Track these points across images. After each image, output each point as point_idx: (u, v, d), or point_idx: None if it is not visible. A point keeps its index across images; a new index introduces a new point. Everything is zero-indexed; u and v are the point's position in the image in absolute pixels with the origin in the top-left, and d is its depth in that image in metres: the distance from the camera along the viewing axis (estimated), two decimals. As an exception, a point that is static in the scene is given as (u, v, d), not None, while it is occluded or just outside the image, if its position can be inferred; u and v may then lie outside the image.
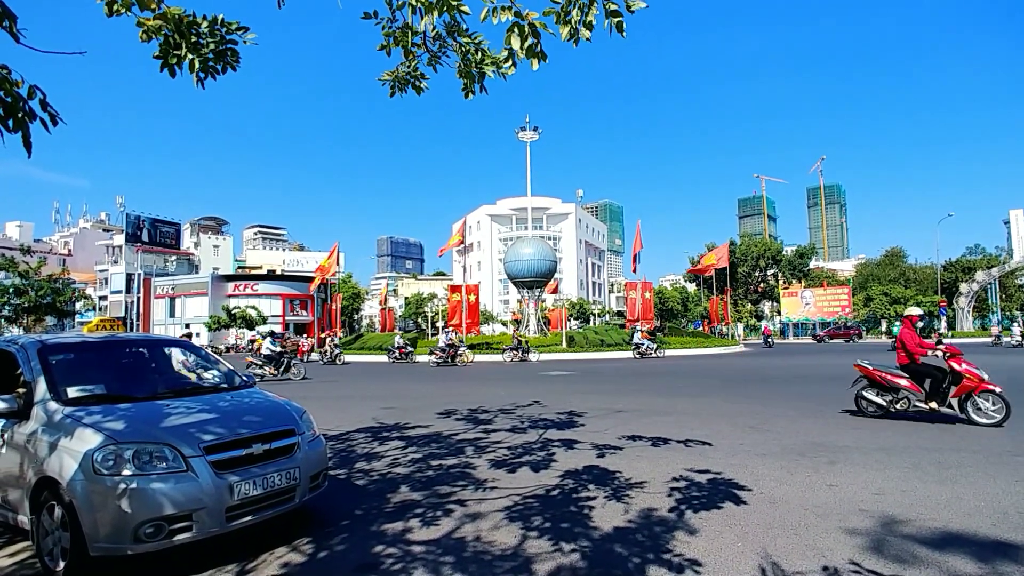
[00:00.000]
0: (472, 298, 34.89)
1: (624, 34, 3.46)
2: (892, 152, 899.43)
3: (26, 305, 34.69)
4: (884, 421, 8.65)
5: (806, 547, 3.80)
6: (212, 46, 3.93)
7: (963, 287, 54.81)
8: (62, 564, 3.48)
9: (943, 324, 52.38)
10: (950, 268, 62.15)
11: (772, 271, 72.01)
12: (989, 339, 40.84)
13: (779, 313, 67.74)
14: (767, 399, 11.66)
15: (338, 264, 45.53)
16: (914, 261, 71.12)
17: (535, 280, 37.54)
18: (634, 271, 37.31)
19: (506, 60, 4.07)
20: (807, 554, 3.68)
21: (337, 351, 30.13)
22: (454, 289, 36.27)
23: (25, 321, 36.21)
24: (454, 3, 3.57)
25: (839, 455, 6.41)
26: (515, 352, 28.05)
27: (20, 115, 3.04)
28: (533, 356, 28.15)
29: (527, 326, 38.69)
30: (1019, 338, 34.20)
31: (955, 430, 7.83)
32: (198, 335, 48.69)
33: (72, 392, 4.09)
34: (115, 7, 3.37)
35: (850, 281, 69.33)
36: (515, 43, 3.56)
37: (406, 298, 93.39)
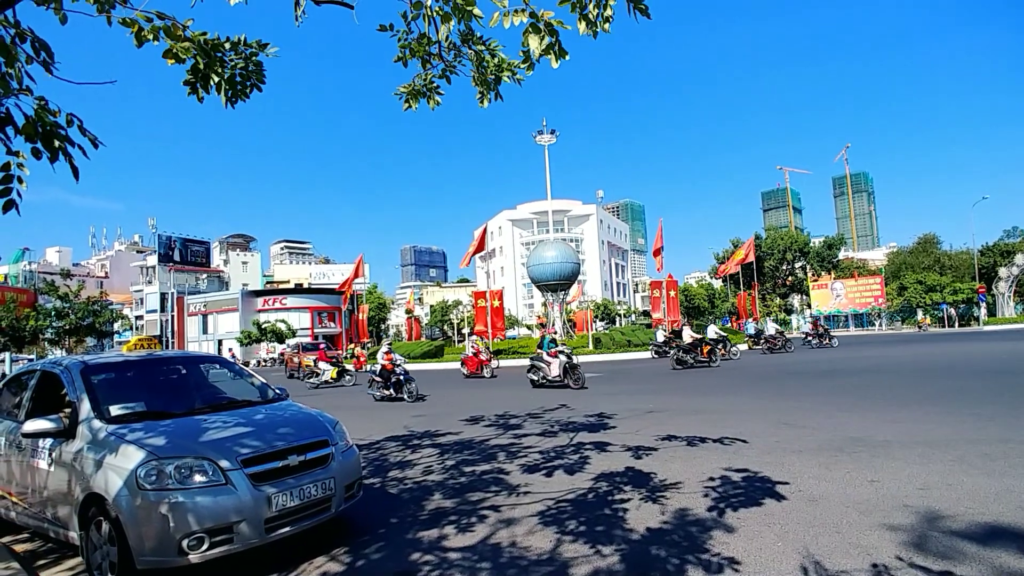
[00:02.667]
0: (496, 303, 34.97)
1: (649, 16, 3.44)
2: (920, 137, 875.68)
3: (67, 327, 35.86)
4: (925, 411, 8.41)
5: (849, 545, 3.71)
6: (241, 64, 4.06)
7: (1002, 271, 52.84)
8: (111, 577, 3.59)
9: (983, 311, 50.65)
10: (987, 252, 60.04)
11: (800, 264, 70.51)
12: None
13: (809, 306, 66.32)
14: (800, 394, 11.42)
15: (364, 275, 46.07)
16: (949, 247, 69.01)
17: (559, 283, 37.43)
18: (659, 269, 37.01)
19: (523, 63, 4.09)
20: (850, 552, 3.59)
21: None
22: (479, 295, 36.39)
23: (67, 343, 37.45)
24: (468, 8, 3.61)
25: (879, 450, 6.25)
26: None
27: (57, 145, 3.17)
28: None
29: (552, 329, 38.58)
30: None
31: (1001, 421, 7.57)
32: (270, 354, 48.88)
33: (115, 410, 4.23)
34: (143, 34, 3.48)
35: (882, 270, 67.50)
36: (533, 43, 3.57)
37: (431, 306, 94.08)
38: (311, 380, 22.29)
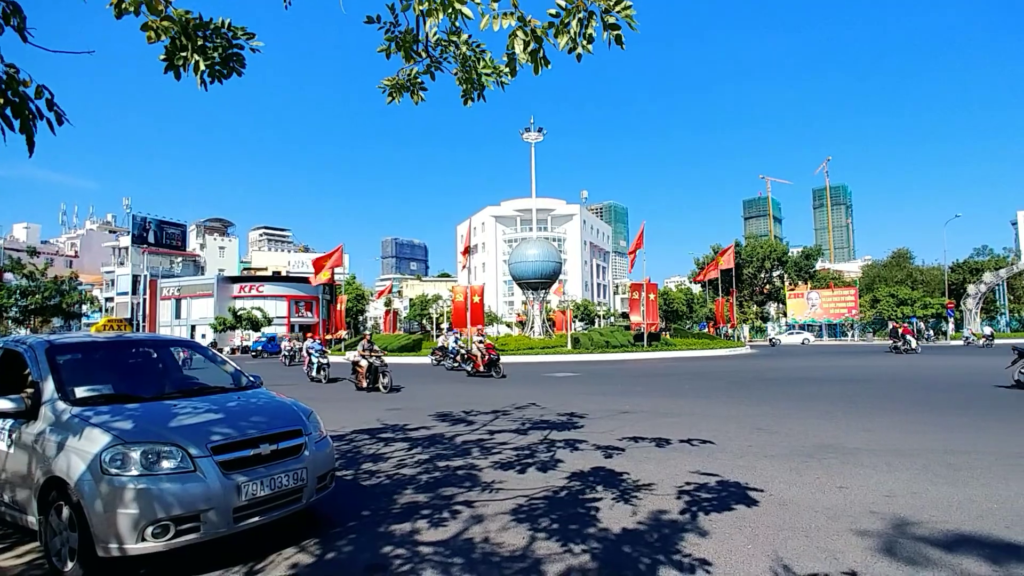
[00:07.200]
0: (476, 299, 34.87)
1: (623, 47, 3.44)
2: (898, 153, 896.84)
3: (33, 306, 34.88)
4: (893, 421, 8.59)
5: (817, 549, 3.76)
6: (220, 51, 3.92)
7: (971, 288, 54.39)
8: (70, 564, 3.48)
9: (951, 326, 52.04)
10: (957, 269, 61.76)
11: (778, 272, 71.75)
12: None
13: (785, 315, 67.46)
14: (774, 400, 11.59)
15: (343, 265, 45.49)
16: (921, 262, 70.79)
17: (540, 281, 37.53)
18: (630, 270, 37.58)
19: (507, 66, 4.05)
20: (818, 556, 3.65)
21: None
22: (458, 291, 36.24)
23: (32, 323, 36.44)
24: (457, 6, 3.56)
25: (849, 457, 6.36)
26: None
27: (27, 114, 3.05)
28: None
29: (532, 327, 38.66)
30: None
31: (966, 432, 7.77)
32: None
33: (80, 392, 4.10)
34: (123, 6, 3.36)
35: (856, 282, 68.93)
36: (518, 47, 3.56)
37: (411, 300, 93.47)
38: None
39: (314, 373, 18.83)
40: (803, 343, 52.66)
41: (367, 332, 17.84)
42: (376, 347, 16.23)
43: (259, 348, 46.51)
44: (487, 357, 19.27)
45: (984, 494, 4.90)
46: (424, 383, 17.41)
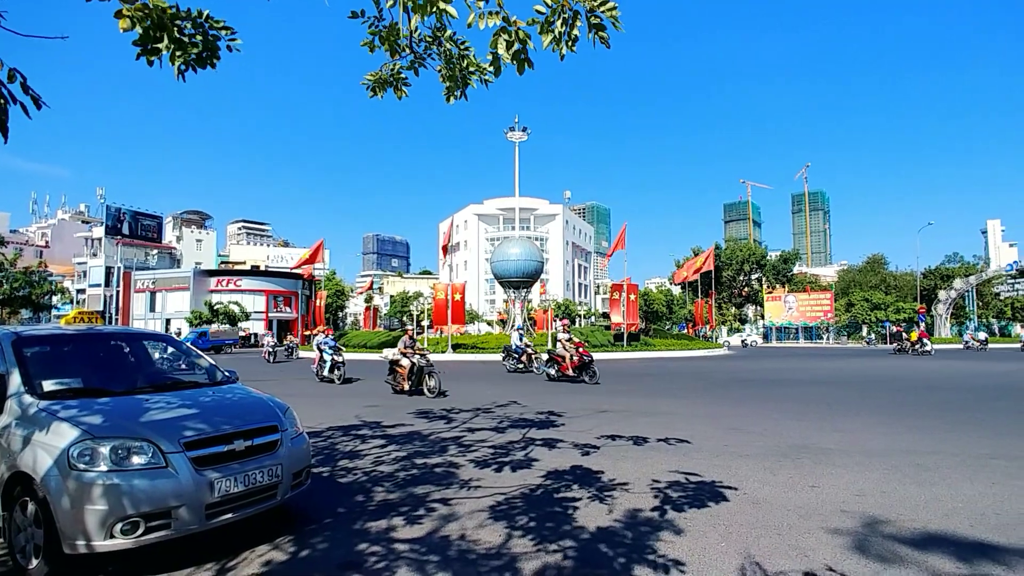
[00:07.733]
0: (458, 297, 34.76)
1: (609, 46, 3.46)
2: (875, 160, 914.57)
3: (1, 297, 33.92)
4: (865, 422, 8.77)
5: (788, 547, 3.82)
6: (199, 46, 3.83)
7: (942, 294, 55.81)
8: (35, 562, 3.39)
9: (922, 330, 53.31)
10: (929, 275, 63.23)
11: (756, 275, 72.68)
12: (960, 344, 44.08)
13: (762, 317, 68.43)
14: (750, 401, 11.76)
15: (323, 261, 45.02)
16: (895, 268, 72.31)
17: (522, 280, 37.51)
18: (602, 267, 37.70)
19: (491, 65, 4.04)
20: (789, 554, 3.71)
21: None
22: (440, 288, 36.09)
23: (0, 314, 35.45)
24: (441, 5, 3.54)
25: (821, 457, 6.48)
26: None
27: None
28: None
29: (513, 326, 38.62)
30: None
31: (934, 434, 7.96)
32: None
33: (48, 385, 4.01)
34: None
35: (832, 287, 70.20)
36: (501, 48, 3.56)
37: (391, 296, 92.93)
38: None
39: (326, 372, 16.76)
40: (751, 344, 58.20)
41: (410, 327, 14.96)
42: (419, 344, 13.88)
43: (188, 343, 45.06)
44: (578, 359, 16.00)
45: (950, 494, 5.03)
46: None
